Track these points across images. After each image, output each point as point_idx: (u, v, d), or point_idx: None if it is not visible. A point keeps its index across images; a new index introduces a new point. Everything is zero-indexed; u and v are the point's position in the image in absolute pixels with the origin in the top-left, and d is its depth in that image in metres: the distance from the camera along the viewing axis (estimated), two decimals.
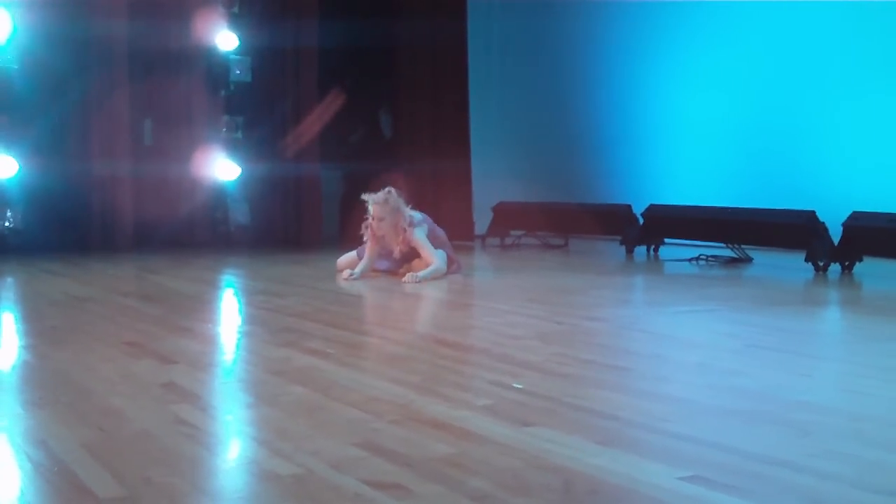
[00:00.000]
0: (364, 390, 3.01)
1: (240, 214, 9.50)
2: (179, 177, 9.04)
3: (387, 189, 6.21)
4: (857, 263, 6.74)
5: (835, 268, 6.75)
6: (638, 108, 9.78)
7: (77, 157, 8.60)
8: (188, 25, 9.05)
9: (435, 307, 5.49)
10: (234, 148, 9.41)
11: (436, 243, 6.40)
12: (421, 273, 6.08)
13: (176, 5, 9.03)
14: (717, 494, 2.02)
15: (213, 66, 9.34)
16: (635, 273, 7.33)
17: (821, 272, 6.70)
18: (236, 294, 6.22)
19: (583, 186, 9.91)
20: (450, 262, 6.50)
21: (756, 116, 8.63)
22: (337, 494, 2.03)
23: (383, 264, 6.44)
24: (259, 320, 4.76)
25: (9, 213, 8.32)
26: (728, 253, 7.73)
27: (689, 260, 7.62)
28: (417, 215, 6.34)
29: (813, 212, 6.98)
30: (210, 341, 4.25)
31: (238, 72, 9.41)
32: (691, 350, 3.89)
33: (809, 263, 6.79)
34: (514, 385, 3.09)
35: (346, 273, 6.22)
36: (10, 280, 6.61)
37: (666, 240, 8.52)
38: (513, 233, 9.73)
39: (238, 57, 9.38)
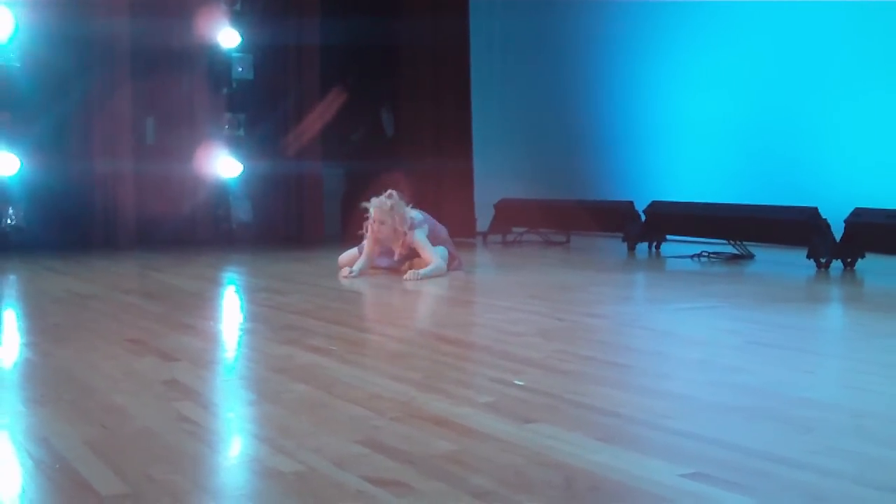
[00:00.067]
0: (366, 387, 3.01)
1: (242, 212, 9.50)
2: (182, 174, 9.05)
3: (388, 192, 6.21)
4: (859, 260, 6.73)
5: (837, 264, 6.75)
6: (640, 105, 9.78)
7: (79, 154, 8.61)
8: (190, 23, 9.06)
9: (436, 304, 5.49)
10: (236, 146, 9.42)
11: (437, 241, 6.41)
12: (422, 271, 6.09)
13: (178, 3, 9.03)
14: (719, 491, 2.02)
15: (215, 64, 9.34)
16: (637, 270, 7.33)
17: (823, 269, 6.70)
18: (238, 291, 6.22)
19: (584, 183, 9.91)
20: (451, 258, 6.51)
21: (757, 113, 8.63)
22: (339, 491, 2.04)
23: (384, 261, 6.45)
24: (261, 318, 4.77)
25: (11, 211, 8.33)
26: (730, 250, 7.72)
27: (691, 257, 7.62)
28: (418, 216, 6.34)
29: (815, 208, 6.97)
30: (212, 338, 4.26)
31: (240, 69, 9.41)
32: (692, 347, 3.89)
33: (811, 260, 6.79)
34: (516, 382, 3.09)
35: (344, 271, 6.23)
36: (12, 277, 6.61)
37: (668, 236, 8.52)
38: (514, 230, 9.73)
39: (240, 55, 9.38)
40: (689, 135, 9.29)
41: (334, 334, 4.05)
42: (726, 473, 2.12)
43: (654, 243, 8.51)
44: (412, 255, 6.33)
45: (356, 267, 6.21)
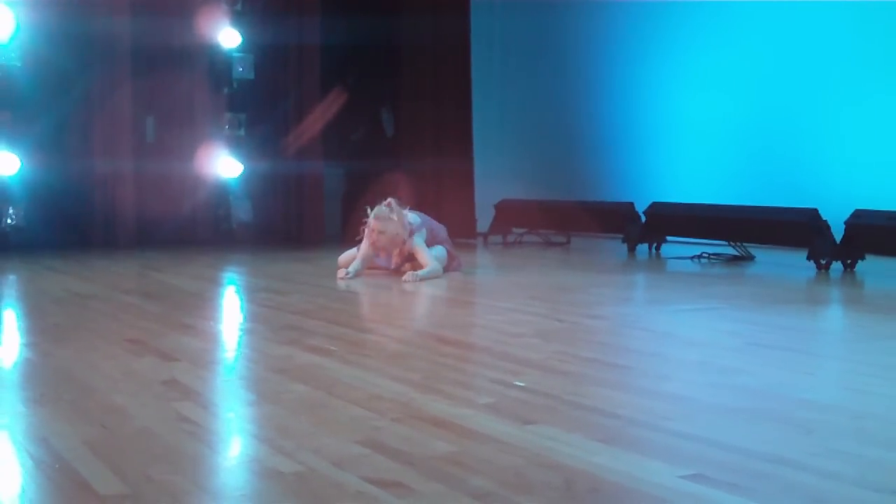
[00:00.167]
0: (366, 388, 3.01)
1: (242, 212, 9.50)
2: (182, 174, 9.05)
3: (388, 201, 6.22)
4: (860, 261, 6.74)
5: (837, 266, 6.75)
6: (640, 106, 9.78)
7: (79, 154, 8.61)
8: (191, 23, 9.06)
9: (436, 305, 5.49)
10: (236, 145, 9.42)
11: (435, 241, 6.43)
12: (421, 272, 6.11)
13: (178, 3, 9.04)
14: (719, 493, 2.02)
15: (215, 64, 9.34)
16: (637, 271, 7.33)
17: (823, 270, 6.70)
18: (238, 291, 6.22)
19: (585, 184, 9.91)
20: (450, 258, 6.52)
21: (758, 114, 8.63)
22: (339, 492, 2.04)
23: (382, 261, 6.47)
24: (261, 318, 4.77)
25: (11, 210, 8.32)
26: (730, 251, 7.73)
27: (691, 258, 7.62)
28: (416, 219, 6.35)
29: (815, 210, 6.97)
30: (212, 339, 4.26)
31: (241, 69, 9.41)
32: (693, 348, 3.89)
33: (811, 261, 6.79)
34: (516, 383, 3.09)
35: (340, 272, 6.22)
36: (12, 277, 6.61)
37: (668, 238, 8.52)
38: (515, 230, 9.74)
39: (241, 54, 9.38)
40: (690, 136, 9.29)
41: (334, 335, 4.05)
42: (726, 475, 2.12)
43: (655, 244, 8.51)
44: (411, 258, 6.35)
45: (352, 268, 6.22)
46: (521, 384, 3.07)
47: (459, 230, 9.02)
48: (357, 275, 6.19)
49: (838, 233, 6.77)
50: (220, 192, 9.40)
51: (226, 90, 9.43)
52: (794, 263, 6.97)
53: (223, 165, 9.31)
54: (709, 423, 2.64)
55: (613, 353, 3.80)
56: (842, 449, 2.34)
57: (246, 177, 9.44)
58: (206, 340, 4.15)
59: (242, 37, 9.31)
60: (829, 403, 2.87)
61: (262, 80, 9.52)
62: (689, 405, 2.87)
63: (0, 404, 2.91)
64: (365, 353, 3.74)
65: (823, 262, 6.75)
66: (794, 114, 8.31)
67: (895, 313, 5.02)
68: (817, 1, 8.13)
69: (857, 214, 6.70)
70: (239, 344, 4.15)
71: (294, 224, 9.62)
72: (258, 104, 9.54)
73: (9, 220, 8.32)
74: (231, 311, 5.49)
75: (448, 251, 6.52)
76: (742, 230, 7.64)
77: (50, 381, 3.20)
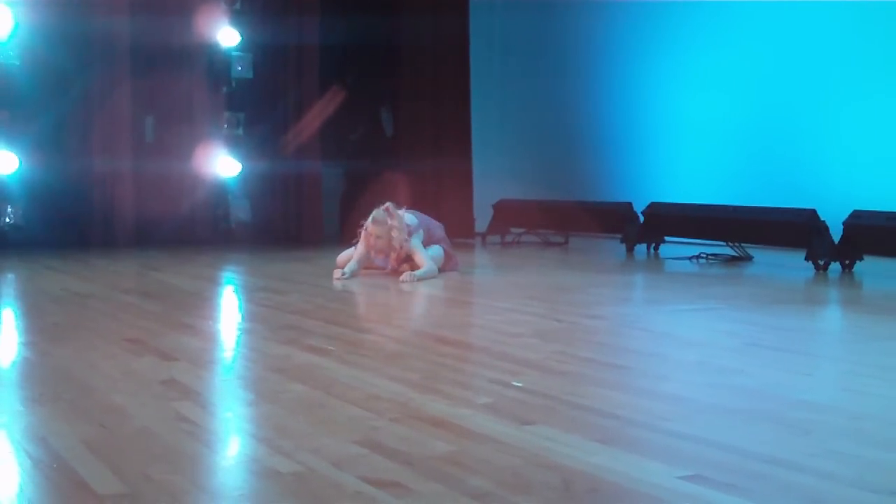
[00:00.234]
0: (364, 388, 3.01)
1: (241, 211, 9.49)
2: (181, 173, 9.05)
3: (385, 206, 6.23)
4: (858, 262, 6.74)
5: (835, 266, 6.75)
6: (639, 106, 9.78)
7: (78, 153, 8.60)
8: (190, 22, 9.05)
9: (435, 305, 5.49)
10: (235, 145, 9.41)
11: (432, 240, 6.45)
12: (417, 273, 6.12)
13: (178, 2, 9.03)
14: (717, 493, 2.02)
15: (214, 63, 9.33)
16: (635, 271, 7.33)
17: (821, 271, 6.70)
18: (237, 291, 6.22)
19: (583, 184, 9.92)
20: (447, 257, 6.53)
21: (757, 115, 8.64)
22: (337, 492, 2.04)
23: (380, 261, 6.47)
24: (259, 317, 4.77)
25: (10, 210, 8.32)
26: (728, 251, 7.73)
27: (690, 258, 7.62)
28: (413, 220, 6.36)
29: (813, 210, 6.98)
30: (211, 338, 4.26)
31: (240, 68, 9.40)
32: (691, 348, 3.90)
33: (810, 262, 6.79)
34: (514, 383, 3.09)
35: (336, 272, 6.22)
36: (10, 276, 6.61)
37: (666, 238, 8.52)
38: (513, 230, 9.74)
39: (240, 53, 9.38)
40: (688, 136, 9.30)
41: (333, 334, 4.05)
42: (724, 476, 2.12)
43: (653, 244, 8.51)
44: (408, 259, 6.36)
45: (347, 269, 6.22)
46: (519, 384, 3.07)
47: (458, 230, 9.02)
48: (353, 275, 6.20)
49: (837, 233, 6.77)
50: (219, 192, 9.40)
51: (225, 89, 9.42)
52: (793, 264, 6.97)
53: (222, 165, 9.31)
54: (707, 424, 2.65)
55: (612, 353, 3.80)
56: (839, 450, 2.35)
57: (245, 176, 9.43)
58: (204, 340, 4.16)
59: (241, 36, 9.31)
60: (826, 404, 2.87)
61: (261, 80, 9.51)
62: (688, 405, 2.87)
63: None
64: (363, 352, 3.74)
65: (822, 262, 6.75)
66: (792, 114, 8.32)
67: (893, 314, 5.02)
68: (816, 1, 8.13)
69: (856, 215, 6.71)
70: (237, 343, 4.15)
71: (293, 223, 9.62)
72: (257, 103, 9.53)
73: (8, 219, 8.32)
74: (230, 310, 5.49)
75: (445, 250, 6.54)
76: (740, 230, 7.64)
77: (49, 381, 3.20)
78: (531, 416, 2.66)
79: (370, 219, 6.22)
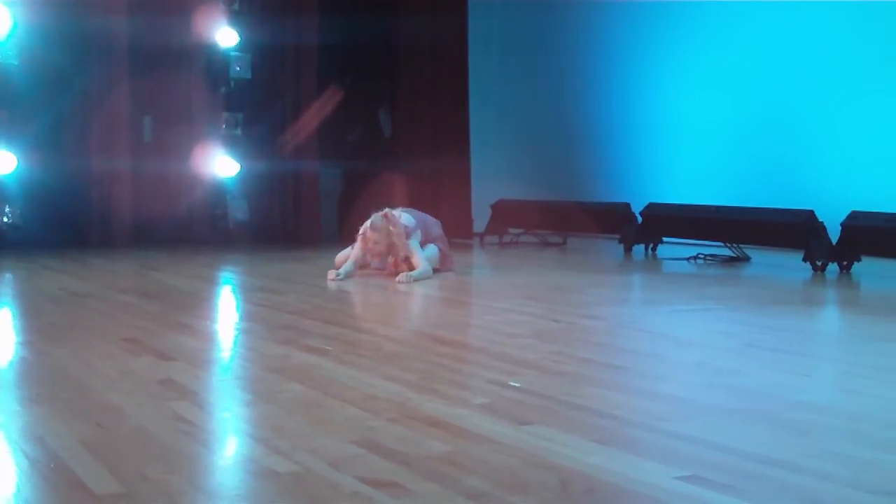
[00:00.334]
0: (362, 388, 3.01)
1: (239, 211, 9.48)
2: (179, 173, 9.04)
3: (384, 212, 6.23)
4: (856, 263, 6.75)
5: (833, 267, 6.76)
6: (637, 106, 9.79)
7: (76, 153, 8.59)
8: (188, 22, 9.05)
9: (433, 305, 5.49)
10: (233, 145, 9.40)
11: (428, 239, 6.46)
12: (413, 273, 6.13)
13: (176, 2, 9.02)
14: (715, 494, 2.02)
15: (213, 63, 9.32)
16: (633, 272, 7.33)
17: (819, 272, 6.70)
18: (235, 291, 6.22)
19: (581, 185, 9.92)
20: (443, 257, 6.53)
21: (755, 116, 8.64)
22: (334, 492, 2.04)
23: (376, 262, 6.47)
24: (257, 317, 4.77)
25: (8, 209, 8.31)
26: (726, 252, 7.74)
27: (688, 259, 7.63)
28: (410, 220, 6.37)
29: (811, 211, 6.98)
30: (208, 338, 4.26)
31: (238, 68, 9.39)
32: (689, 349, 3.90)
33: (807, 263, 6.80)
34: (512, 383, 3.09)
35: (331, 273, 6.22)
36: (8, 276, 6.60)
37: (664, 238, 8.53)
38: (511, 231, 9.74)
39: (238, 54, 9.36)
40: (686, 137, 9.30)
41: (330, 334, 4.05)
42: (722, 476, 2.12)
43: (651, 245, 8.51)
44: (406, 260, 6.36)
45: (342, 270, 6.22)
46: (516, 384, 3.07)
47: (456, 230, 9.02)
48: (348, 276, 6.20)
49: (835, 234, 6.78)
50: (217, 192, 9.39)
51: (223, 89, 9.41)
52: (791, 265, 6.98)
53: (220, 165, 9.30)
54: (704, 424, 2.65)
55: (609, 353, 3.80)
56: (837, 450, 2.35)
57: (243, 176, 9.42)
58: (202, 340, 4.15)
59: (240, 36, 9.30)
60: (824, 405, 2.87)
61: (260, 80, 9.50)
62: (685, 406, 2.87)
63: None
64: (361, 353, 3.74)
65: (819, 263, 6.76)
66: (790, 115, 8.33)
67: (891, 315, 5.02)
68: (816, 1, 8.14)
69: (854, 216, 6.71)
70: (235, 343, 4.15)
71: (291, 224, 9.62)
72: (255, 104, 9.52)
73: (5, 219, 8.31)
74: (227, 310, 5.49)
75: (441, 250, 6.54)
76: (738, 231, 7.65)
77: (46, 380, 3.19)
78: (529, 416, 2.66)
79: (369, 223, 6.22)
